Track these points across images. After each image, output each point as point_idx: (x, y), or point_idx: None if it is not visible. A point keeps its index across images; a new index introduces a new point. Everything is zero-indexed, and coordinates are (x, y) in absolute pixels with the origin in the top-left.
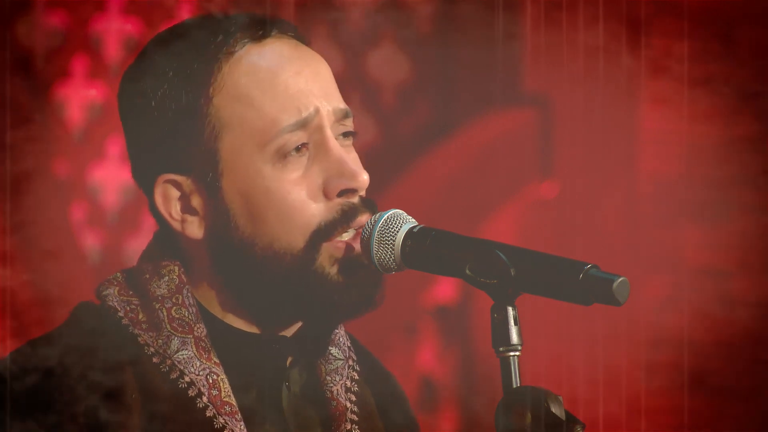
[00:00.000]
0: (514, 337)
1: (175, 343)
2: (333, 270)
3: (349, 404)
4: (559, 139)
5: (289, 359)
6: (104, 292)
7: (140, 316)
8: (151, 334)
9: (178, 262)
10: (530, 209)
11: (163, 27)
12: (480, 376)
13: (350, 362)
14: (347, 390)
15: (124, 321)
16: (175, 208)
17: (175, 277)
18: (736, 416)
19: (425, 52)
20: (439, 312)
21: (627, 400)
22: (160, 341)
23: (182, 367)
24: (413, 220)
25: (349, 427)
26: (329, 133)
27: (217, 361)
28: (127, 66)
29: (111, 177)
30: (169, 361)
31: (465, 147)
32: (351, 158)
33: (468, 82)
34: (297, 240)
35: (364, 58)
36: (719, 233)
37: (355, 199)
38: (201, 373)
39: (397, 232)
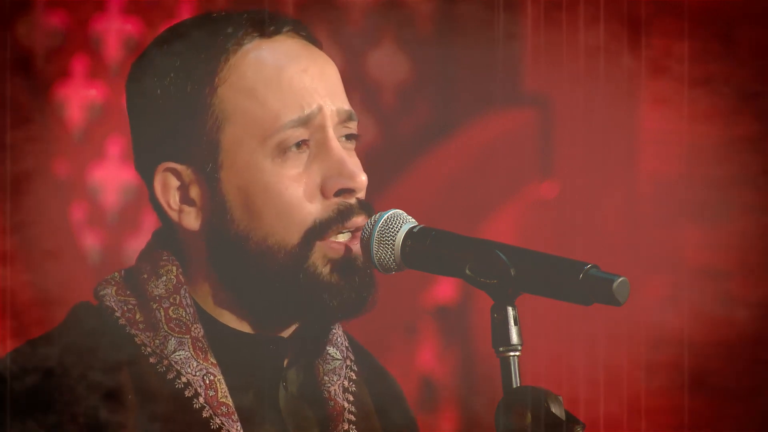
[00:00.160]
0: (514, 337)
1: (172, 343)
2: (325, 269)
3: (346, 404)
4: (559, 139)
5: (287, 360)
6: (102, 292)
7: (137, 316)
8: (148, 334)
9: (177, 263)
10: (530, 209)
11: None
12: (480, 376)
13: (348, 362)
14: (345, 390)
15: (121, 321)
16: (174, 198)
17: (173, 277)
18: (736, 416)
19: (425, 52)
20: (439, 312)
21: (627, 400)
22: (157, 341)
23: (179, 368)
24: (413, 220)
25: (346, 427)
26: (331, 133)
27: (214, 361)
28: (133, 60)
29: (111, 177)
30: (166, 362)
31: (465, 147)
32: (351, 160)
33: (468, 82)
34: (291, 236)
35: (364, 58)
36: (719, 233)
37: (352, 200)
38: (198, 373)
39: (397, 232)
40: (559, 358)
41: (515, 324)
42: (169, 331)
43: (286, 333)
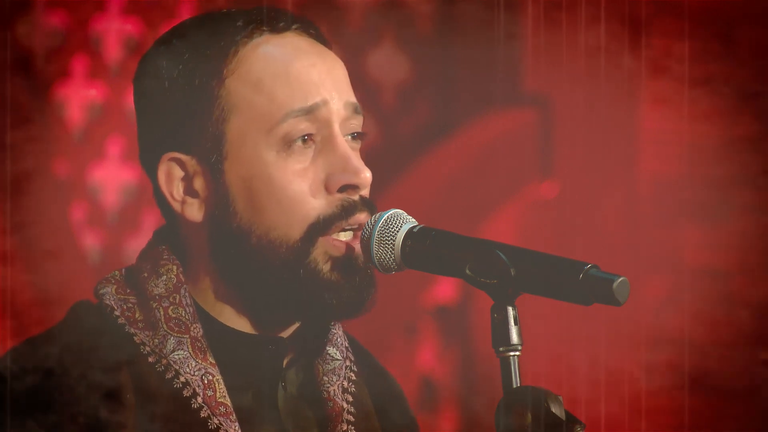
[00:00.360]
0: (514, 337)
1: (171, 342)
2: (326, 266)
3: (345, 405)
4: (559, 139)
5: (286, 360)
6: (101, 291)
7: (137, 315)
8: (147, 333)
9: (177, 262)
10: (530, 209)
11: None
12: (480, 376)
13: (348, 362)
14: (344, 390)
15: (120, 320)
16: (177, 189)
17: (173, 276)
18: (736, 416)
19: (425, 52)
20: (439, 312)
21: (627, 400)
22: (156, 341)
23: (177, 367)
24: (413, 220)
25: (345, 427)
26: (337, 129)
27: (213, 361)
28: (142, 55)
29: (111, 177)
30: (164, 361)
31: (465, 147)
32: (356, 157)
33: (468, 82)
34: (294, 231)
35: (364, 58)
36: (719, 233)
37: (356, 197)
38: (196, 373)
39: (397, 232)
40: (559, 358)
41: (515, 324)
42: (168, 331)
43: (286, 333)
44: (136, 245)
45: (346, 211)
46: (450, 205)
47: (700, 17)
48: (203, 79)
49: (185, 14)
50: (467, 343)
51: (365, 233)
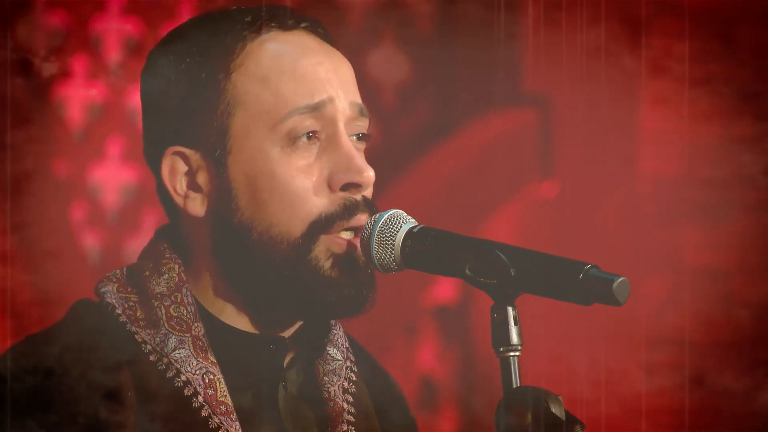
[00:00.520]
0: (514, 337)
1: (173, 341)
2: (327, 264)
3: (346, 405)
4: (559, 139)
5: (287, 360)
6: (103, 289)
7: (138, 314)
8: (148, 331)
9: (179, 261)
10: (530, 209)
11: (163, 27)
12: (480, 376)
13: (348, 363)
14: (344, 391)
15: (122, 318)
16: (180, 183)
17: (174, 275)
18: (736, 416)
19: (425, 52)
20: (439, 312)
21: (627, 400)
22: (158, 339)
23: (179, 366)
24: (413, 220)
25: (345, 428)
26: (342, 127)
27: (214, 360)
28: (150, 50)
29: (111, 177)
30: (165, 360)
31: (465, 147)
32: (360, 156)
33: (468, 82)
34: (296, 228)
35: (364, 58)
36: (719, 233)
37: (358, 197)
38: (197, 372)
39: (397, 232)
40: (559, 358)
41: (515, 324)
42: (169, 329)
43: (287, 333)
44: (136, 245)
45: (348, 210)
46: (450, 205)
47: (700, 17)
48: (210, 73)
49: (185, 14)
50: (467, 343)
51: (365, 233)
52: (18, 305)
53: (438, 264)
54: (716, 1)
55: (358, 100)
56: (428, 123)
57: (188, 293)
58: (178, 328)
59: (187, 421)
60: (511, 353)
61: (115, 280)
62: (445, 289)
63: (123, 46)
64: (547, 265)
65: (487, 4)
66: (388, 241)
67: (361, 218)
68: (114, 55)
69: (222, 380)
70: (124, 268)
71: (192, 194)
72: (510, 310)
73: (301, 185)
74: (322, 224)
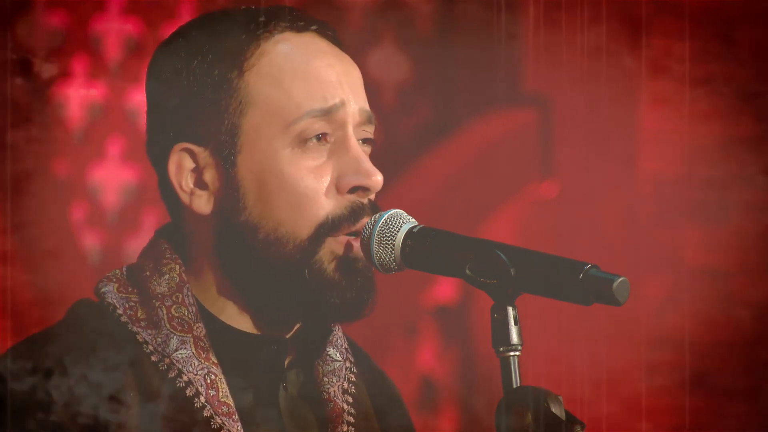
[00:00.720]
0: (514, 337)
1: (174, 341)
2: (331, 266)
3: (345, 406)
4: (559, 139)
5: (287, 360)
6: (103, 289)
7: (139, 314)
8: (150, 332)
9: (180, 261)
10: (530, 209)
11: (163, 27)
12: (480, 376)
13: (348, 364)
14: (344, 392)
15: (123, 318)
16: (187, 180)
17: (175, 275)
18: (736, 416)
19: (425, 52)
20: (439, 312)
21: (627, 400)
22: (159, 339)
23: (180, 366)
24: (413, 220)
25: (345, 428)
26: (351, 131)
27: (216, 361)
28: (159, 44)
29: (111, 177)
30: (167, 360)
31: (465, 147)
32: (368, 160)
33: (468, 82)
34: (302, 229)
35: (364, 58)
36: (719, 233)
37: (365, 200)
38: (199, 372)
39: (397, 232)
40: (559, 358)
41: (515, 324)
42: (171, 330)
43: (288, 333)
44: (136, 245)
45: (355, 213)
46: (450, 205)
47: (700, 17)
48: (222, 71)
49: (185, 14)
50: (467, 343)
51: (365, 233)
52: (18, 305)
53: (438, 264)
54: (716, 1)
55: (367, 106)
56: (428, 123)
57: (189, 293)
58: (179, 328)
59: (189, 421)
60: (511, 353)
61: (115, 280)
62: (445, 289)
63: (123, 46)
64: (547, 265)
65: (487, 4)
66: (388, 240)
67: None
68: (114, 55)
69: (223, 380)
70: (124, 268)
71: (198, 191)
72: (510, 310)
73: (310, 186)
74: (329, 226)
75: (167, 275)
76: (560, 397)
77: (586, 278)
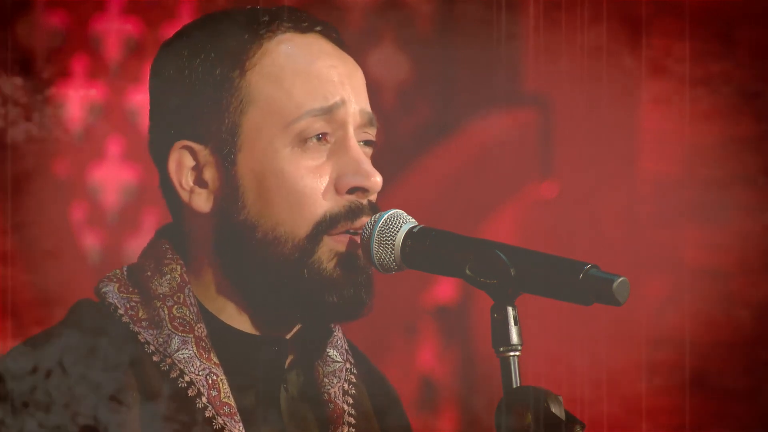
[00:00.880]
0: (514, 337)
1: (176, 342)
2: (330, 264)
3: (346, 407)
4: (559, 139)
5: (288, 361)
6: (104, 289)
7: (140, 314)
8: (151, 332)
9: (181, 262)
10: (530, 209)
11: (163, 27)
12: (480, 376)
13: (348, 365)
14: (345, 392)
15: (125, 318)
16: (187, 178)
17: (177, 275)
18: (737, 416)
19: (425, 52)
20: (439, 312)
21: (627, 400)
22: (161, 340)
23: (182, 367)
24: (413, 220)
25: (346, 429)
26: (352, 131)
27: (217, 361)
28: (163, 42)
29: (111, 177)
30: (169, 360)
31: (465, 147)
32: (368, 161)
33: (468, 82)
34: (300, 228)
35: (364, 58)
36: (719, 233)
37: (364, 201)
38: (201, 373)
39: (397, 232)
40: (559, 358)
41: (515, 324)
42: (172, 330)
43: (289, 334)
44: (136, 245)
45: (353, 213)
46: (450, 205)
47: (700, 17)
48: (224, 70)
49: (185, 14)
50: (467, 343)
51: (365, 233)
52: (18, 305)
53: (438, 264)
54: (716, 1)
55: (369, 108)
56: (428, 123)
57: (191, 294)
58: (181, 328)
59: (190, 421)
60: (511, 353)
61: (115, 280)
62: (445, 289)
63: (123, 46)
64: (547, 265)
65: (487, 4)
66: (388, 241)
67: (365, 222)
68: (114, 55)
69: (225, 381)
70: (124, 268)
71: (198, 189)
72: (510, 310)
73: (309, 185)
74: (327, 224)
75: (168, 275)
76: (560, 397)
77: (586, 278)
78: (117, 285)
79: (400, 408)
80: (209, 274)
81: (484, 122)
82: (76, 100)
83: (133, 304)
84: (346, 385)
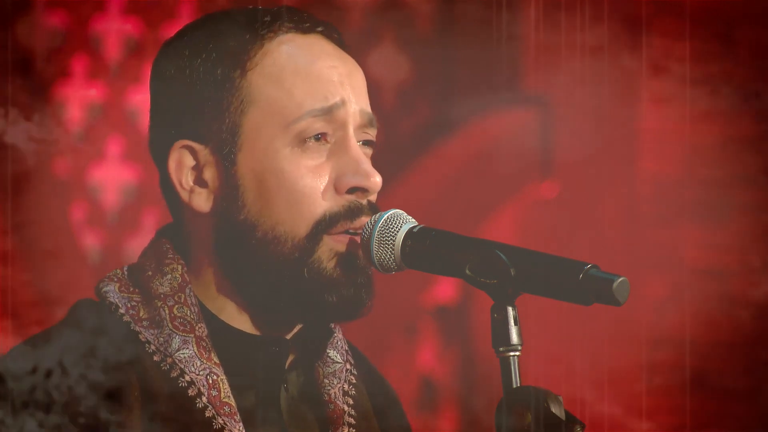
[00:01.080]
0: (514, 337)
1: (177, 341)
2: (330, 264)
3: (346, 407)
4: (559, 139)
5: (288, 361)
6: (104, 289)
7: (141, 314)
8: (152, 331)
9: (182, 262)
10: (530, 209)
11: (163, 27)
12: (480, 376)
13: (348, 366)
14: (345, 393)
15: (125, 318)
16: (187, 178)
17: (177, 275)
18: (737, 416)
19: (425, 52)
20: (439, 312)
21: (628, 400)
22: (161, 339)
23: (183, 366)
24: (413, 220)
25: (346, 430)
26: (351, 131)
27: (217, 361)
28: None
29: (111, 177)
30: (169, 360)
31: (465, 147)
32: (368, 161)
33: (468, 82)
34: (300, 227)
35: (364, 58)
36: (719, 233)
37: (363, 201)
38: (201, 372)
39: (397, 232)
40: (559, 358)
41: (515, 324)
42: (173, 329)
43: (289, 334)
44: (136, 245)
45: (353, 212)
46: (450, 205)
47: (700, 17)
48: (225, 70)
49: (185, 14)
50: (467, 343)
51: (365, 233)
52: (18, 305)
53: (438, 264)
54: (716, 1)
55: (369, 108)
56: (428, 123)
57: (191, 294)
58: (181, 328)
59: (190, 421)
60: (511, 353)
61: (116, 279)
62: (445, 289)
63: (123, 46)
64: (547, 265)
65: (487, 4)
66: (388, 241)
67: (365, 221)
68: (114, 55)
69: (225, 381)
70: (125, 268)
71: (198, 189)
72: (510, 310)
73: (309, 184)
74: (326, 223)
75: (169, 275)
76: (560, 397)
77: (586, 278)
78: (117, 285)
79: (399, 408)
80: (209, 274)
81: (484, 122)
82: (76, 100)
83: (133, 303)
84: (346, 386)
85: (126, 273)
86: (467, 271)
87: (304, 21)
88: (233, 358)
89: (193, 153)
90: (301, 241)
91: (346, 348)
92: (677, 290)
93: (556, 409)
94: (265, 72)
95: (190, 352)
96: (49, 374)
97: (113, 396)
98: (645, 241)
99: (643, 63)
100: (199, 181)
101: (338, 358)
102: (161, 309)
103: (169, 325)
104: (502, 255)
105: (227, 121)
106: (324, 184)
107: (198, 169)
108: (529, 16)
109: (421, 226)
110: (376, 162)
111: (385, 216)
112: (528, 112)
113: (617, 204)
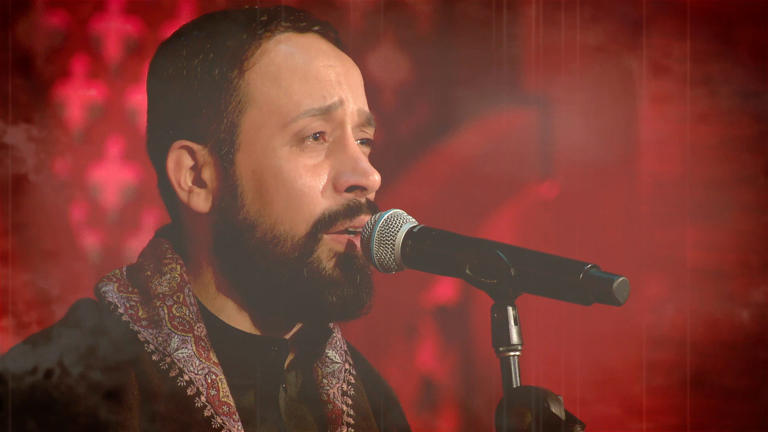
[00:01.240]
0: (514, 337)
1: (175, 341)
2: (329, 264)
3: (345, 407)
4: (559, 139)
5: (287, 361)
6: (103, 289)
7: (140, 313)
8: (151, 331)
9: (181, 261)
10: (530, 209)
11: (163, 27)
12: (480, 376)
13: (347, 366)
14: (344, 393)
15: (124, 318)
16: (185, 178)
17: (176, 275)
18: (736, 416)
19: (425, 52)
20: (439, 312)
21: (628, 400)
22: (160, 339)
23: (181, 366)
24: (413, 220)
25: (345, 430)
26: (349, 130)
27: (216, 360)
28: (162, 42)
29: (111, 177)
30: (168, 359)
31: (465, 147)
32: (366, 159)
33: (468, 82)
34: (299, 227)
35: (364, 58)
36: (719, 233)
37: (362, 199)
38: (200, 372)
39: (397, 232)
40: (559, 358)
41: (515, 324)
42: (172, 329)
43: (288, 334)
44: (136, 245)
45: (352, 211)
46: (450, 205)
47: (700, 17)
48: (223, 69)
49: (185, 14)
50: (467, 343)
51: (365, 233)
52: (18, 305)
53: (438, 264)
54: (716, 1)
55: (366, 108)
56: (428, 123)
57: (190, 293)
58: (180, 328)
59: (189, 421)
60: (511, 353)
61: (115, 279)
62: (445, 289)
63: (123, 46)
64: (547, 265)
65: (487, 4)
66: (388, 240)
67: (364, 220)
68: (114, 55)
69: (224, 380)
70: (124, 268)
71: (196, 189)
72: (510, 310)
73: (307, 183)
74: (325, 222)
75: (168, 275)
76: (560, 397)
77: (586, 278)
78: (116, 284)
79: (399, 408)
80: (209, 274)
81: (484, 122)
82: (76, 100)
83: (132, 303)
84: (345, 386)
85: (125, 273)
86: (467, 271)
87: (301, 20)
88: (232, 358)
89: (192, 153)
90: (301, 240)
91: (345, 348)
92: (677, 290)
93: (556, 409)
94: (263, 71)
95: (189, 351)
96: (48, 374)
97: (112, 395)
98: (645, 241)
99: (643, 63)
100: (198, 182)
101: (337, 358)
102: (160, 309)
103: (168, 324)
104: (502, 255)
105: (225, 121)
106: (323, 183)
107: (196, 169)
108: (529, 16)
109: (421, 226)
110: (376, 162)
111: (385, 216)
112: (528, 112)
113: (617, 204)
